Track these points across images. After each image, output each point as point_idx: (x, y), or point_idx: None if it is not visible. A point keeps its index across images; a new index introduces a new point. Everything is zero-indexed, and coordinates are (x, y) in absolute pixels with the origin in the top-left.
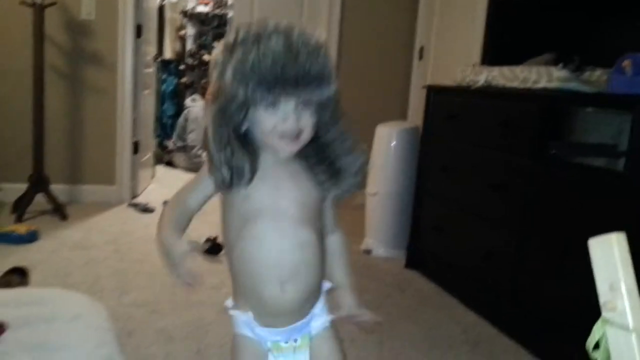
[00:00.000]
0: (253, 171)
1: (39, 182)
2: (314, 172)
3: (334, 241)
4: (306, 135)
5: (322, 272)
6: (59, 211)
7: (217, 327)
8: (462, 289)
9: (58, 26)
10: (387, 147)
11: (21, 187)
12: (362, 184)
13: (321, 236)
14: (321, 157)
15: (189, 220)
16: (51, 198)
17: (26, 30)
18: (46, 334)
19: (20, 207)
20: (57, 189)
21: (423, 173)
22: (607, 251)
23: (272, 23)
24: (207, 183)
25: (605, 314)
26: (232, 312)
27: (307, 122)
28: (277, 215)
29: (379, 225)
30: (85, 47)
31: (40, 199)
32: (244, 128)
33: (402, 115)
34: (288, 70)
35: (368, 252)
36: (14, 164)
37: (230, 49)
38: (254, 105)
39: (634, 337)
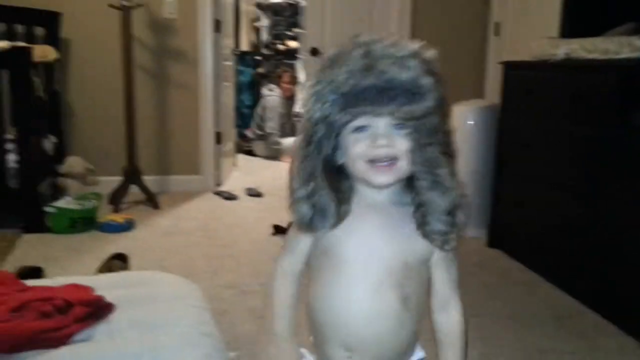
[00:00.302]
0: (339, 213)
1: (132, 174)
2: (416, 220)
3: (445, 322)
4: (403, 163)
5: (404, 347)
6: (152, 201)
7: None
8: (546, 265)
9: (143, 26)
10: (465, 126)
11: (116, 180)
12: (456, 233)
13: (413, 304)
14: (417, 197)
15: (296, 293)
16: (144, 189)
17: (115, 31)
18: (150, 312)
19: (116, 198)
20: (149, 180)
21: (502, 150)
22: None
23: (361, 39)
24: (298, 239)
25: None
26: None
27: (402, 146)
28: (356, 272)
29: None
30: (169, 44)
31: (134, 190)
32: (339, 161)
33: (479, 93)
34: (366, 81)
35: None
36: (109, 158)
37: (314, 76)
38: (341, 129)
39: None
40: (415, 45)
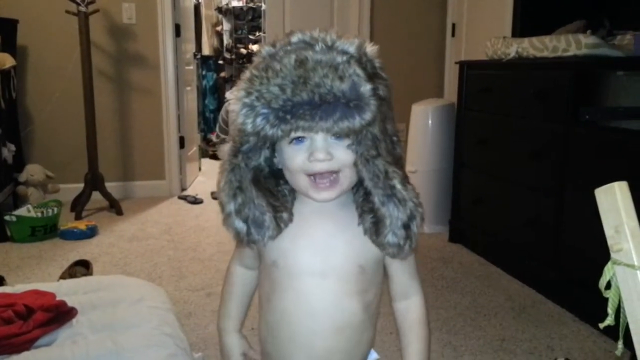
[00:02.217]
0: (278, 223)
1: (94, 181)
2: (365, 227)
3: (406, 309)
4: (347, 175)
5: (367, 352)
6: (115, 207)
7: None
8: (505, 259)
9: (102, 32)
10: (424, 125)
11: (78, 187)
12: (408, 245)
13: (373, 308)
14: (368, 204)
15: (249, 292)
16: (107, 195)
17: (73, 37)
18: (113, 315)
19: (78, 206)
20: (112, 186)
21: (461, 148)
22: (611, 198)
23: (295, 38)
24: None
25: (613, 255)
26: None
27: (344, 158)
28: (314, 284)
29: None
30: (129, 50)
31: (96, 196)
32: (277, 165)
33: (439, 93)
34: (299, 97)
35: None
36: (70, 165)
37: (244, 85)
38: (275, 141)
39: (639, 274)
40: (354, 45)
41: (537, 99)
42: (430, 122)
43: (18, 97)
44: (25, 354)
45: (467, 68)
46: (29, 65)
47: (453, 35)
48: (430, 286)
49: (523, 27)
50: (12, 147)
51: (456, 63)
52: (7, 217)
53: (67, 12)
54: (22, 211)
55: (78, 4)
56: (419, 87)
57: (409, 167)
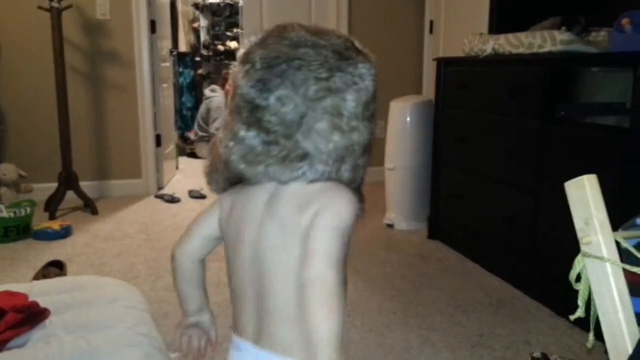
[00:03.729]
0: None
1: (68, 180)
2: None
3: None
4: None
5: None
6: (90, 206)
7: None
8: (484, 255)
9: (75, 28)
10: (402, 122)
11: (52, 186)
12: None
13: None
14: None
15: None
16: (81, 194)
17: (45, 34)
18: (86, 316)
19: (52, 205)
20: (86, 185)
21: (439, 144)
22: (580, 191)
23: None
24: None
25: (582, 247)
26: None
27: None
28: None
29: (399, 199)
30: (103, 46)
31: (70, 196)
32: None
33: (417, 89)
34: None
35: (390, 226)
36: (44, 164)
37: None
38: None
39: (608, 266)
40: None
41: (513, 96)
42: (408, 118)
43: None
44: None
45: (444, 65)
46: (0, 62)
47: (431, 32)
48: (409, 282)
49: (499, 23)
50: None
51: (434, 60)
52: None
53: (40, 7)
54: None
55: (50, 0)
56: (398, 83)
57: (387, 164)
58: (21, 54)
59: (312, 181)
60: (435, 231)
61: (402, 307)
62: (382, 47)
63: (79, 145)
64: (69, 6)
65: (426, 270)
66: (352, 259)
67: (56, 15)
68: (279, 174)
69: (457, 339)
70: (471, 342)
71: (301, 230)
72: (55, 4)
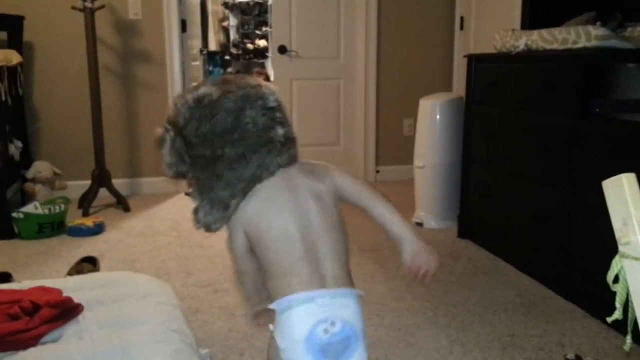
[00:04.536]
0: None
1: (101, 178)
2: None
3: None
4: None
5: None
6: (122, 204)
7: None
8: (515, 254)
9: (108, 27)
10: (432, 120)
11: (85, 184)
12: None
13: None
14: None
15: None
16: (114, 192)
17: (79, 33)
18: (118, 312)
19: (85, 202)
20: (118, 183)
21: (469, 142)
22: (618, 190)
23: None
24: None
25: (621, 248)
26: None
27: None
28: None
29: (429, 198)
30: (135, 45)
31: (103, 193)
32: None
33: (447, 87)
34: None
35: (420, 224)
36: (77, 162)
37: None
38: None
39: None
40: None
41: (547, 92)
42: (438, 116)
43: (25, 94)
44: (31, 350)
45: (475, 61)
46: (35, 61)
47: (462, 28)
48: (439, 282)
49: (532, 19)
50: (19, 144)
51: (464, 56)
52: (14, 214)
53: (73, 8)
54: (29, 208)
55: (84, 0)
56: (428, 81)
57: (416, 163)
58: (55, 53)
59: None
60: (465, 230)
61: (431, 307)
62: (411, 43)
63: (112, 144)
64: (102, 6)
65: (456, 269)
66: (381, 257)
67: (89, 15)
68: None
69: (487, 339)
70: (502, 342)
71: (327, 189)
72: (88, 4)
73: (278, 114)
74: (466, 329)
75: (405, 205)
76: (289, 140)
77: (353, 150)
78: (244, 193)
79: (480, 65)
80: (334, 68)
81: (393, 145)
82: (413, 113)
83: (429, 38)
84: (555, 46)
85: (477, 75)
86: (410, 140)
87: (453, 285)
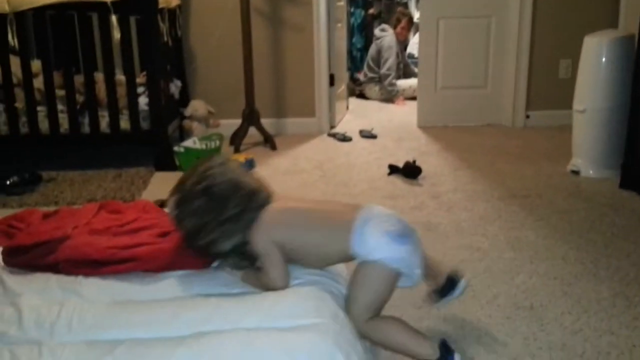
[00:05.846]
0: None
1: (251, 117)
2: None
3: None
4: None
5: None
6: (270, 142)
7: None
8: None
9: None
10: (596, 60)
11: (236, 122)
12: None
13: None
14: None
15: None
16: (262, 130)
17: None
18: None
19: (236, 140)
20: (265, 122)
21: (639, 84)
22: None
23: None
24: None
25: None
26: None
27: None
28: None
29: (588, 144)
30: None
31: (252, 131)
32: None
33: (613, 23)
34: None
35: (576, 172)
36: (230, 102)
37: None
38: None
39: None
40: None
41: None
42: (604, 56)
43: (183, 35)
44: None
45: None
46: (191, 4)
47: None
48: (598, 233)
49: None
50: (179, 83)
51: None
52: (176, 149)
53: None
54: (188, 143)
55: None
56: (591, 17)
57: (576, 106)
58: None
59: None
60: (630, 180)
61: (591, 258)
62: None
63: (260, 84)
64: None
65: (619, 221)
66: (532, 204)
67: None
68: None
69: None
70: None
71: None
72: None
73: None
74: (630, 283)
75: (556, 153)
76: None
77: (501, 94)
78: None
79: None
80: (485, 4)
81: (546, 88)
82: (571, 53)
83: None
84: None
85: None
86: (566, 83)
87: (615, 238)
